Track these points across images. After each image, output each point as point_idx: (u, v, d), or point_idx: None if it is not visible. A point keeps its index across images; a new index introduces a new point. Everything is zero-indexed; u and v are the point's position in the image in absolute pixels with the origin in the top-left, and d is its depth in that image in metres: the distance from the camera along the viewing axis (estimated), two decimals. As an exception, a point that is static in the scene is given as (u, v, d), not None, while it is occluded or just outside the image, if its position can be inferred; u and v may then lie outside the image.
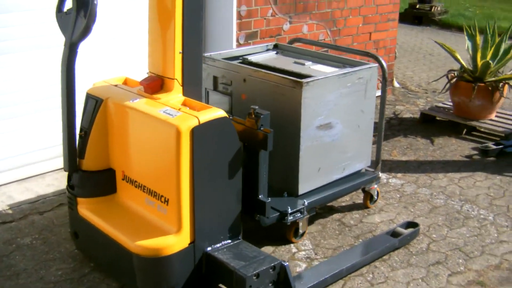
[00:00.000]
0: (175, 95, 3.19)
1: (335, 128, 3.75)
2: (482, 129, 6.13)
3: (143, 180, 3.17)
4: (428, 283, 3.54)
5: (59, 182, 4.55)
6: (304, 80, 3.46)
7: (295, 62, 4.03)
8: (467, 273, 3.66)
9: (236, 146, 3.11)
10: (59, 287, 3.33)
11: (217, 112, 3.01)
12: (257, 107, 3.20)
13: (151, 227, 3.10)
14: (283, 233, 3.85)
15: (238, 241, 3.29)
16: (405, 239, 3.88)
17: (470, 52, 6.21)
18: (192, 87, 3.23)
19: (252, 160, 3.26)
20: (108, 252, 3.24)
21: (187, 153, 2.91)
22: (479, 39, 6.21)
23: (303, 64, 3.98)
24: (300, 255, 3.75)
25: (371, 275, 3.58)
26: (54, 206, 4.20)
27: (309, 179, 3.72)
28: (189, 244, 3.07)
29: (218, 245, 3.21)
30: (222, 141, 3.05)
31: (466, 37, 6.35)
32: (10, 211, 4.11)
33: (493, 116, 6.22)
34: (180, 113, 2.98)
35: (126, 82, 3.53)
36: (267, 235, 3.85)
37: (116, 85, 3.44)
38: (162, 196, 3.05)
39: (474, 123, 6.09)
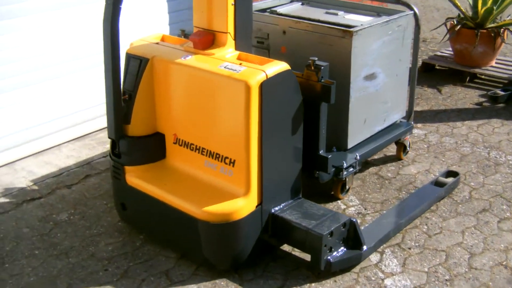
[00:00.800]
0: (228, 49, 3.00)
1: (378, 78, 3.64)
2: (483, 76, 6.12)
3: (202, 142, 2.99)
4: (481, 231, 3.51)
5: (78, 152, 4.32)
6: (353, 29, 3.32)
7: (327, 13, 3.87)
8: (515, 218, 3.65)
9: (299, 100, 2.97)
10: (114, 263, 3.14)
11: (282, 65, 2.84)
12: (316, 58, 3.04)
13: (214, 191, 2.94)
14: (326, 190, 3.74)
15: (300, 200, 3.17)
16: (449, 189, 3.83)
17: (471, -3, 6.16)
18: (244, 41, 3.05)
19: (310, 114, 3.11)
20: (165, 221, 3.07)
21: (256, 110, 2.74)
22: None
23: (336, 14, 3.82)
24: (350, 211, 3.66)
25: (425, 227, 3.53)
26: (81, 179, 3.97)
27: (357, 132, 3.61)
28: (256, 206, 2.92)
29: (282, 205, 3.08)
30: (287, 96, 2.90)
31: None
32: (35, 187, 3.87)
33: (493, 63, 6.21)
34: (243, 67, 2.80)
35: (164, 39, 3.31)
36: (309, 193, 3.71)
37: (157, 43, 3.22)
38: (226, 157, 2.89)
39: (476, 70, 6.07)
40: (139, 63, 3.07)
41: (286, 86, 2.87)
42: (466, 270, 3.17)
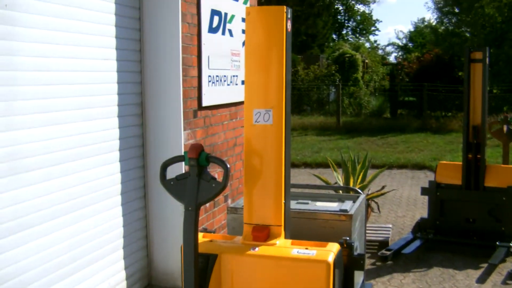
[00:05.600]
0: (281, 239, 3.73)
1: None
2: (361, 241, 7.40)
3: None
4: None
5: None
6: (351, 213, 4.25)
7: (299, 202, 4.73)
8: None
9: (343, 268, 3.77)
10: None
11: (336, 245, 3.65)
12: (347, 238, 3.89)
13: None
14: None
15: None
16: None
17: (343, 180, 7.58)
18: (288, 231, 3.81)
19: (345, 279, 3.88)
20: None
21: (332, 281, 3.47)
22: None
23: (307, 203, 4.72)
24: None
25: None
26: None
27: None
28: None
29: None
30: (340, 268, 3.68)
31: (333, 170, 7.77)
32: None
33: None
34: (313, 251, 3.54)
35: (206, 236, 3.89)
36: None
37: (211, 240, 3.81)
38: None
39: (356, 237, 7.34)
40: (207, 259, 3.62)
41: (341, 260, 3.67)
42: None
